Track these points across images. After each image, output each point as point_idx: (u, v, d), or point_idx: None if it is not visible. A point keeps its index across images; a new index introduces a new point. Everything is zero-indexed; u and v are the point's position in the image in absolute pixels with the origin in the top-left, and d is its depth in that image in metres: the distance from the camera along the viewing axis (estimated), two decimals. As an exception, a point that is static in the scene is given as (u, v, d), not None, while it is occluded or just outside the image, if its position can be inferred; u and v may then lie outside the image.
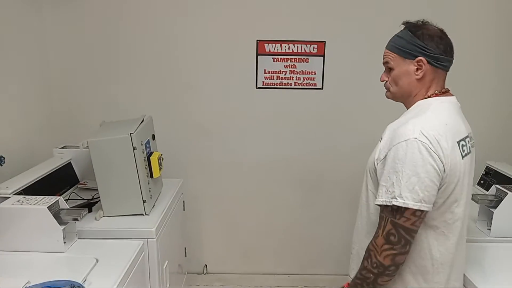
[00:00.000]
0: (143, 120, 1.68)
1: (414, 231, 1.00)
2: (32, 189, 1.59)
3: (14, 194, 1.47)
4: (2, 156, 1.60)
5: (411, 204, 0.97)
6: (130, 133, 1.49)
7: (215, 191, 2.27)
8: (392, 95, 1.17)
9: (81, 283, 1.05)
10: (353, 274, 1.16)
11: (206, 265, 2.39)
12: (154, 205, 1.69)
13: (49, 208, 1.28)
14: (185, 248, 2.16)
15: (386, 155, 1.03)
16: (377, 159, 1.07)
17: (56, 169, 1.78)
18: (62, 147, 1.95)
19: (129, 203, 1.57)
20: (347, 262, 1.27)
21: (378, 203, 1.03)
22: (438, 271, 1.08)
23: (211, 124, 2.18)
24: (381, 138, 1.10)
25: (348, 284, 1.16)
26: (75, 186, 1.85)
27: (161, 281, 1.58)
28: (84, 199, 1.71)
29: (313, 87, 2.15)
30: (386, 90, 1.18)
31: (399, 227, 0.98)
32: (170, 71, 2.12)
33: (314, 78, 2.15)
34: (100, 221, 1.54)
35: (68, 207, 1.36)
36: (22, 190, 1.54)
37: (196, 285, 2.35)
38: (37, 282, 1.11)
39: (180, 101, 2.15)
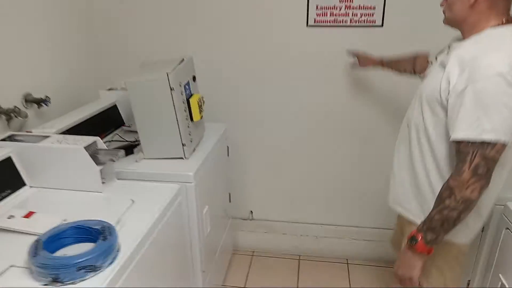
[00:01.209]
0: (182, 60, 1.59)
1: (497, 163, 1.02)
2: (76, 130, 1.60)
3: (61, 133, 1.50)
4: (47, 97, 1.61)
5: (503, 138, 0.99)
6: (167, 73, 1.41)
7: (261, 137, 2.18)
8: (447, 21, 1.16)
9: (111, 224, 1.03)
10: (408, 204, 1.27)
11: (251, 211, 2.38)
12: (194, 149, 1.65)
13: (86, 148, 1.27)
14: (230, 194, 2.13)
15: (465, 88, 1.00)
16: (451, 90, 1.04)
17: (101, 111, 1.78)
18: (109, 89, 1.95)
19: (168, 146, 1.54)
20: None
21: (459, 138, 1.02)
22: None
23: (257, 66, 2.04)
24: (443, 65, 1.08)
25: (416, 231, 1.14)
26: (120, 128, 1.86)
27: (200, 225, 1.56)
28: (126, 141, 1.70)
29: (371, 24, 1.91)
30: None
31: (490, 159, 1.00)
32: (214, 9, 1.98)
33: (373, 14, 1.90)
34: (140, 164, 1.53)
35: (106, 148, 1.35)
36: (66, 130, 1.56)
37: (241, 230, 2.36)
38: (73, 220, 1.12)
39: (224, 42, 2.02)
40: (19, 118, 1.49)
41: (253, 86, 2.08)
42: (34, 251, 0.92)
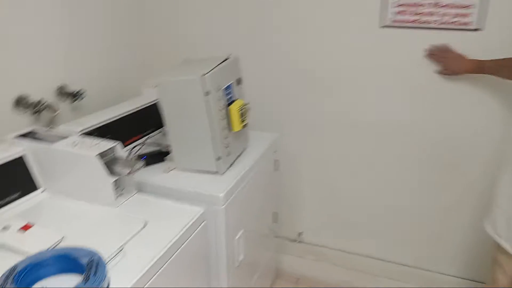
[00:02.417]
0: (225, 60, 1.37)
1: None
2: (110, 128, 1.46)
3: (86, 133, 1.37)
4: (82, 90, 1.49)
5: None
6: (202, 75, 1.20)
7: (318, 151, 1.89)
8: None
9: (101, 258, 0.84)
10: None
11: (300, 233, 2.10)
12: (233, 163, 1.42)
13: (102, 155, 1.10)
14: (276, 213, 1.88)
15: None
16: None
17: (141, 109, 1.63)
18: (155, 87, 1.79)
19: (201, 158, 1.33)
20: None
21: None
22: None
23: (319, 71, 1.75)
24: None
25: None
26: (160, 129, 1.69)
27: (231, 253, 1.34)
28: (160, 145, 1.53)
29: (465, 27, 1.52)
30: None
31: None
32: (270, 7, 1.73)
33: (468, 14, 1.51)
34: (168, 176, 1.34)
35: (125, 157, 1.17)
36: (98, 128, 1.42)
37: (287, 253, 2.09)
38: (71, 240, 0.96)
39: (283, 41, 1.76)
40: (49, 112, 1.38)
41: (312, 93, 1.80)
42: (3, 283, 0.75)
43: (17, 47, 1.32)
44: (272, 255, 1.96)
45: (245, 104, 1.42)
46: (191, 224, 1.09)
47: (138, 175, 1.31)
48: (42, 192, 1.19)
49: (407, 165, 1.76)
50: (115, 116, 1.51)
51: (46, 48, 1.42)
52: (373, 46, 1.64)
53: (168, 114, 1.29)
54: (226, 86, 1.33)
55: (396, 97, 1.68)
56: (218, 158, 1.31)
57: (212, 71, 1.24)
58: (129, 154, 1.48)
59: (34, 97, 1.38)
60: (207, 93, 1.21)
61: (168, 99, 1.27)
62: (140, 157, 1.38)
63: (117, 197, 1.15)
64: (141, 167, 1.14)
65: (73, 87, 1.53)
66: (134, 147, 1.51)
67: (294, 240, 2.11)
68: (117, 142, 1.16)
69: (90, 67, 1.62)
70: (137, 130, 1.59)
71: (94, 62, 1.64)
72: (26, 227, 0.99)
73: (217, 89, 1.26)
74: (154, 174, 1.34)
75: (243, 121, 1.37)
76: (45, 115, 1.39)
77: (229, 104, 1.34)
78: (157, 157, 1.43)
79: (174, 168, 1.38)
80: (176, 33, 1.91)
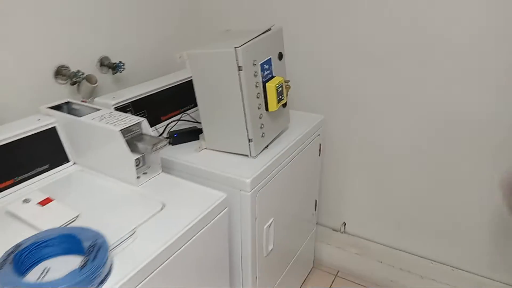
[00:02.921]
0: (266, 31, 1.24)
1: None
2: (147, 102, 1.43)
3: (121, 106, 1.34)
4: (120, 62, 1.46)
5: None
6: (235, 47, 1.09)
7: (368, 136, 1.72)
8: None
9: (106, 241, 0.79)
10: None
11: (344, 223, 1.96)
12: (268, 146, 1.31)
13: (125, 130, 1.05)
14: (316, 201, 1.76)
15: None
16: None
17: (183, 83, 1.57)
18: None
19: (232, 139, 1.24)
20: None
21: None
22: None
23: (372, 45, 1.56)
24: None
25: None
26: (200, 105, 1.62)
27: (258, 241, 1.25)
28: (197, 122, 1.46)
29: None
30: None
31: None
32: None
33: None
34: (198, 155, 1.27)
35: (151, 134, 1.11)
36: (134, 101, 1.38)
37: (327, 243, 1.97)
38: (86, 218, 0.93)
39: (333, 12, 1.58)
40: (88, 83, 1.36)
41: (365, 72, 1.61)
42: (3, 261, 0.73)
43: (59, 17, 1.31)
44: (310, 244, 1.85)
45: (285, 81, 1.29)
46: (211, 210, 1.01)
47: (168, 152, 1.27)
48: (72, 165, 1.18)
49: (474, 162, 1.53)
50: (154, 90, 1.46)
51: (89, 19, 1.40)
52: (443, 17, 1.41)
53: (199, 89, 1.21)
54: (264, 60, 1.21)
55: (464, 80, 1.44)
56: (250, 140, 1.21)
57: (247, 43, 1.12)
58: (164, 130, 1.43)
59: (74, 67, 1.37)
60: (240, 68, 1.11)
61: (199, 73, 1.18)
62: (172, 134, 1.33)
63: (140, 175, 1.11)
64: (165, 145, 1.07)
65: (115, 59, 1.50)
66: (169, 123, 1.46)
67: (337, 230, 1.98)
68: (143, 118, 1.10)
69: (133, 39, 1.58)
70: (176, 105, 1.54)
71: (138, 34, 1.60)
72: (45, 201, 0.97)
73: (253, 64, 1.15)
74: (184, 153, 1.28)
75: (281, 100, 1.25)
76: (85, 86, 1.38)
77: (267, 81, 1.22)
78: (192, 134, 1.37)
79: (204, 148, 1.30)
80: (222, 4, 1.81)
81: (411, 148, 1.64)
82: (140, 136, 1.10)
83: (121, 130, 1.04)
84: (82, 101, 1.25)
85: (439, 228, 1.71)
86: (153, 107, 1.45)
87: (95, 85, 1.39)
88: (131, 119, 1.10)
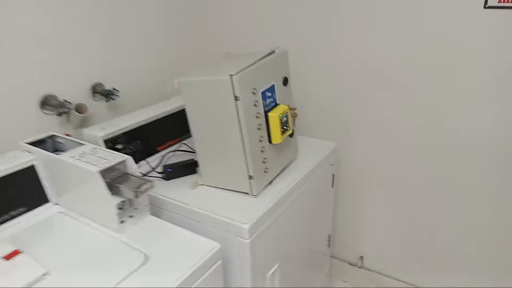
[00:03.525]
0: (268, 55, 1.11)
1: None
2: (143, 131, 1.32)
3: (112, 138, 1.22)
4: (114, 89, 1.35)
5: None
6: (231, 75, 0.95)
7: (386, 164, 1.55)
8: None
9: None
10: None
11: (361, 257, 1.78)
12: (272, 182, 1.17)
13: (107, 171, 0.93)
14: (329, 235, 1.59)
15: None
16: None
17: (182, 109, 1.44)
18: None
19: (231, 175, 1.10)
20: None
21: None
22: None
23: (391, 66, 1.40)
24: None
25: None
26: (201, 132, 1.50)
27: (260, 293, 1.10)
28: (192, 153, 1.33)
29: None
30: None
31: None
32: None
33: None
34: (193, 192, 1.13)
35: (136, 174, 0.98)
36: (127, 131, 1.27)
37: (343, 280, 1.79)
38: (55, 275, 0.81)
39: (351, 33, 1.44)
40: (77, 113, 1.26)
41: (384, 94, 1.45)
42: None
43: (50, 45, 1.21)
44: (324, 279, 1.68)
45: (292, 109, 1.15)
46: (202, 264, 0.87)
47: (161, 189, 1.14)
48: (53, 206, 1.07)
49: (501, 193, 1.35)
50: (149, 118, 1.35)
51: (78, 46, 1.29)
52: (472, 32, 1.24)
53: (193, 120, 1.08)
54: (266, 88, 1.07)
55: (503, 102, 1.27)
56: (251, 177, 1.07)
57: (245, 70, 0.99)
58: (159, 162, 1.31)
59: (64, 95, 1.26)
60: (237, 98, 0.97)
61: (192, 103, 1.05)
62: (166, 168, 1.20)
63: (125, 219, 0.98)
64: (149, 189, 0.94)
65: (110, 85, 1.39)
66: (166, 154, 1.34)
67: (354, 265, 1.80)
68: (127, 156, 0.98)
69: (129, 63, 1.47)
70: (175, 133, 1.42)
71: (135, 58, 1.48)
72: (12, 254, 0.85)
73: (252, 92, 1.02)
74: (178, 189, 1.15)
75: (286, 131, 1.11)
76: (74, 116, 1.27)
77: (269, 110, 1.08)
78: (188, 168, 1.23)
79: (201, 184, 1.17)
80: (224, 28, 1.69)
81: (433, 177, 1.47)
82: (124, 176, 0.98)
83: (100, 171, 0.91)
84: (66, 134, 1.14)
85: (469, 266, 1.51)
86: (149, 136, 1.33)
87: (85, 115, 1.27)
88: (114, 158, 0.97)
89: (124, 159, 0.97)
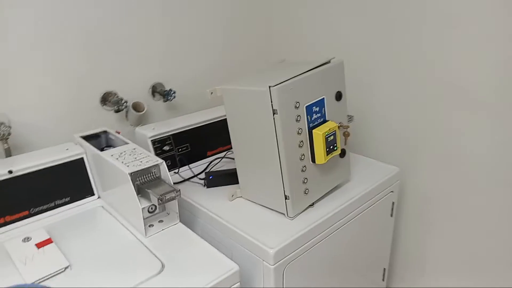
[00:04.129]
0: (320, 66, 1.01)
1: None
2: (193, 134, 1.32)
3: (161, 138, 1.24)
4: (171, 90, 1.36)
5: None
6: (269, 86, 0.88)
7: (460, 197, 1.33)
8: None
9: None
10: None
11: (426, 297, 1.57)
12: (313, 204, 1.07)
13: (135, 174, 0.93)
14: (384, 269, 1.42)
15: None
16: None
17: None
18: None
19: (267, 192, 1.03)
20: None
21: None
22: None
23: (468, 82, 1.19)
24: None
25: None
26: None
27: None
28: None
29: None
30: None
31: None
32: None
33: None
34: (230, 204, 1.09)
35: (168, 180, 0.96)
36: (176, 133, 1.28)
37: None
38: (76, 270, 0.82)
39: (417, 42, 1.26)
40: (134, 111, 1.30)
41: (461, 116, 1.25)
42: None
43: (116, 45, 1.27)
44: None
45: (343, 127, 1.04)
46: (214, 285, 0.81)
47: (199, 195, 1.12)
48: (96, 199, 1.11)
49: None
50: (201, 122, 1.34)
51: (143, 46, 1.33)
52: None
53: (232, 129, 1.03)
54: (312, 102, 0.97)
55: None
56: (287, 197, 0.98)
57: (288, 81, 0.91)
58: (207, 167, 1.29)
59: (125, 93, 1.31)
60: (275, 111, 0.90)
61: (232, 112, 1.00)
62: (208, 175, 1.17)
63: (155, 223, 0.97)
64: (174, 198, 0.91)
65: (170, 86, 1.42)
66: (212, 161, 1.31)
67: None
68: (161, 160, 0.96)
69: (190, 66, 1.48)
70: (225, 139, 1.39)
71: (195, 61, 1.49)
72: (43, 243, 0.89)
73: (295, 106, 0.93)
74: (216, 198, 1.11)
75: (332, 151, 1.00)
76: (132, 113, 1.32)
77: (315, 126, 0.99)
78: (230, 177, 1.19)
79: (239, 197, 1.11)
80: (290, 34, 1.61)
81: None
82: (157, 181, 0.96)
83: (131, 172, 0.91)
84: (116, 131, 1.18)
85: None
86: (198, 140, 1.32)
87: (142, 112, 1.31)
88: (148, 160, 0.97)
89: (158, 162, 0.96)
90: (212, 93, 0.99)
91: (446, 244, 1.42)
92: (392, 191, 1.27)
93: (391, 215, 1.32)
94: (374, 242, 1.30)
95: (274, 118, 0.91)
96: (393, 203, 1.30)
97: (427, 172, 1.37)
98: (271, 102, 0.89)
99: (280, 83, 0.89)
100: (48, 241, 0.90)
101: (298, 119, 0.95)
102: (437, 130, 1.31)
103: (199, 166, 1.30)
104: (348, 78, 1.44)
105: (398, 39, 1.31)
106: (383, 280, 1.43)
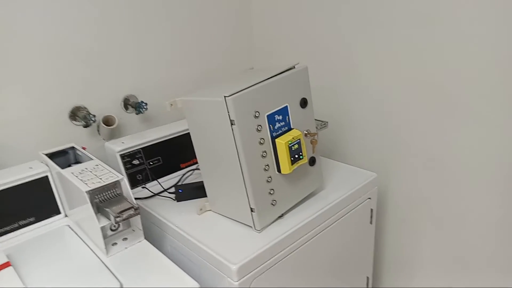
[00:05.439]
0: (282, 72, 0.98)
1: None
2: (165, 146, 1.29)
3: (130, 152, 1.22)
4: (142, 102, 1.34)
5: None
6: (225, 96, 0.86)
7: (442, 195, 1.30)
8: None
9: None
10: None
11: (414, 304, 1.53)
12: (283, 215, 1.04)
13: (93, 192, 0.90)
14: (368, 278, 1.38)
15: None
16: None
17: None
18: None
19: (234, 205, 1.00)
20: None
21: None
22: None
23: (446, 83, 1.16)
24: None
25: None
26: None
27: None
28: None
29: None
30: None
31: None
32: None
33: None
34: (198, 219, 1.06)
35: (129, 197, 0.94)
36: (147, 146, 1.25)
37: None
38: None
39: (394, 45, 1.23)
40: (104, 125, 1.27)
41: (444, 122, 1.21)
42: None
43: (86, 58, 1.25)
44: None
45: (310, 134, 1.01)
46: (172, 307, 0.78)
47: (167, 210, 1.09)
48: (63, 217, 1.08)
49: None
50: (173, 133, 1.32)
51: (114, 58, 1.32)
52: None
53: (195, 141, 1.01)
54: (274, 111, 0.95)
55: None
56: (253, 210, 0.95)
57: (246, 90, 0.88)
58: (179, 179, 1.27)
59: (95, 107, 1.29)
60: (232, 122, 0.87)
61: (193, 123, 0.98)
62: (177, 188, 1.14)
63: (118, 241, 0.95)
64: (132, 216, 0.89)
65: (143, 97, 1.40)
66: (185, 173, 1.29)
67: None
68: (121, 177, 0.94)
69: (163, 76, 1.46)
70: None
71: (168, 72, 1.47)
72: (0, 267, 0.87)
73: (254, 116, 0.90)
74: (184, 213, 1.08)
75: (297, 160, 0.97)
76: (102, 127, 1.29)
77: (279, 135, 0.96)
78: (201, 190, 1.15)
79: (208, 210, 1.09)
80: (262, 41, 1.59)
81: (500, 219, 1.17)
82: (117, 198, 0.94)
83: (89, 190, 0.89)
84: (83, 147, 1.15)
85: None
86: (171, 153, 1.29)
87: (113, 126, 1.29)
88: (109, 177, 0.94)
89: (118, 179, 0.93)
90: (172, 105, 0.96)
91: (432, 248, 1.38)
92: (369, 198, 1.23)
93: (371, 223, 1.28)
94: (354, 250, 1.26)
95: (232, 129, 0.88)
96: (371, 210, 1.26)
97: (409, 176, 1.34)
98: (228, 112, 0.86)
99: (236, 93, 0.86)
100: (6, 265, 0.88)
101: (259, 129, 0.92)
102: (418, 133, 1.27)
103: (172, 179, 1.28)
104: (325, 83, 1.41)
105: (377, 41, 1.28)
106: (367, 288, 1.39)
